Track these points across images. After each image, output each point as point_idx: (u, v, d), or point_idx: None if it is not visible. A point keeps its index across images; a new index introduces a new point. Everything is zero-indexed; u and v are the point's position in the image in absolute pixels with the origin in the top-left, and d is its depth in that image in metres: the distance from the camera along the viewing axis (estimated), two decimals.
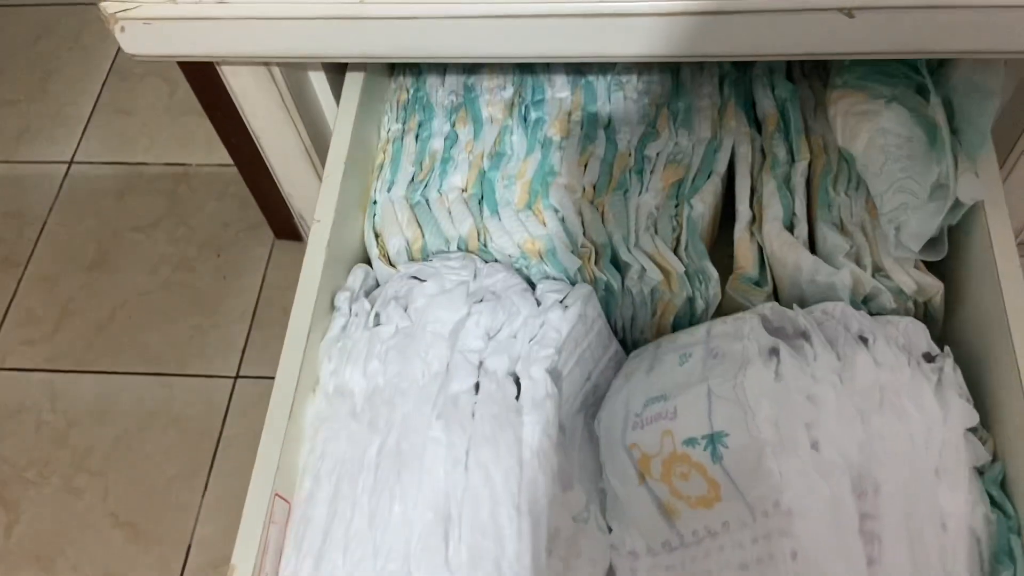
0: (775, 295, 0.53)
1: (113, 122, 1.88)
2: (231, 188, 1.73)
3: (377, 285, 0.53)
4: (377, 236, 0.55)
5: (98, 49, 1.96)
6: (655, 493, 0.49)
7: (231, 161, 1.36)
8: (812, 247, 0.53)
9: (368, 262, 0.55)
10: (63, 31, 1.97)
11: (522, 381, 0.45)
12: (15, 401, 1.58)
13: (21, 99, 1.90)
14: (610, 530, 0.51)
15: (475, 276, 0.50)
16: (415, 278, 0.50)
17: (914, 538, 0.41)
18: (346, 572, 0.41)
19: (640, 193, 0.53)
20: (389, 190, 0.55)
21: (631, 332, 0.56)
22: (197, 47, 0.47)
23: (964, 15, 0.41)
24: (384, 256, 0.54)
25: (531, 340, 0.47)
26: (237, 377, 1.58)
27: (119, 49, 1.75)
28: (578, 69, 0.59)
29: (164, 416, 1.55)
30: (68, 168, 1.83)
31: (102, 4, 0.45)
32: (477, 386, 0.45)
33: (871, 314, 0.50)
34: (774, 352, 0.47)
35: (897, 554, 0.41)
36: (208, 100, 1.08)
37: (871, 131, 0.50)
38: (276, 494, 0.44)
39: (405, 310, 0.48)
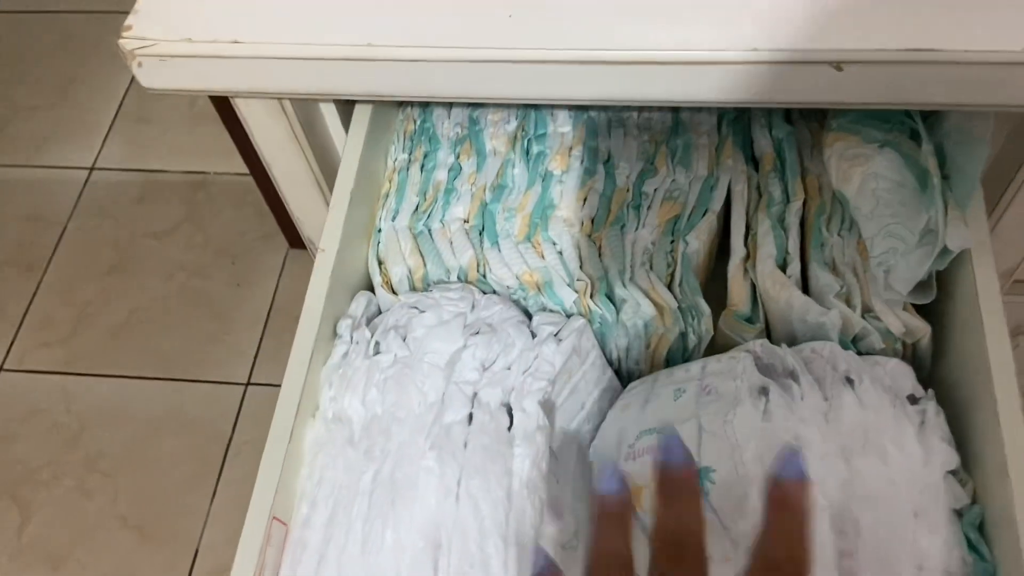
0: (767, 331, 0.55)
1: (134, 130, 1.92)
2: (248, 197, 1.76)
3: (379, 312, 0.55)
4: (380, 264, 0.56)
5: (120, 58, 2.00)
6: (643, 523, 0.50)
7: (248, 171, 1.38)
8: (804, 285, 0.54)
9: (371, 289, 0.57)
10: (87, 39, 2.02)
11: (515, 413, 0.47)
12: (30, 403, 1.62)
13: (45, 105, 1.94)
14: None
15: (473, 308, 0.51)
16: (415, 308, 0.51)
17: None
18: None
19: (637, 228, 0.55)
20: (393, 219, 0.57)
21: (626, 363, 0.57)
22: (211, 83, 0.48)
23: (949, 70, 0.42)
24: (387, 284, 0.56)
25: (525, 372, 0.48)
26: (248, 384, 1.60)
27: None
28: (580, 105, 0.60)
29: (175, 421, 1.58)
30: (89, 174, 1.87)
31: (120, 41, 0.47)
32: (471, 416, 0.46)
33: (860, 354, 0.51)
34: (764, 391, 0.48)
35: None
36: (226, 113, 1.11)
37: (863, 175, 0.52)
38: (274, 517, 0.45)
39: (404, 340, 0.50)
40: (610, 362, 0.57)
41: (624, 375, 0.58)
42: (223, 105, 1.13)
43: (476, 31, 0.46)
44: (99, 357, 1.65)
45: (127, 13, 0.49)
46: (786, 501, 0.34)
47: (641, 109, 0.60)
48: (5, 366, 1.63)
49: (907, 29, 0.43)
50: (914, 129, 0.53)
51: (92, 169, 1.87)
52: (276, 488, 0.46)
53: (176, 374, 1.61)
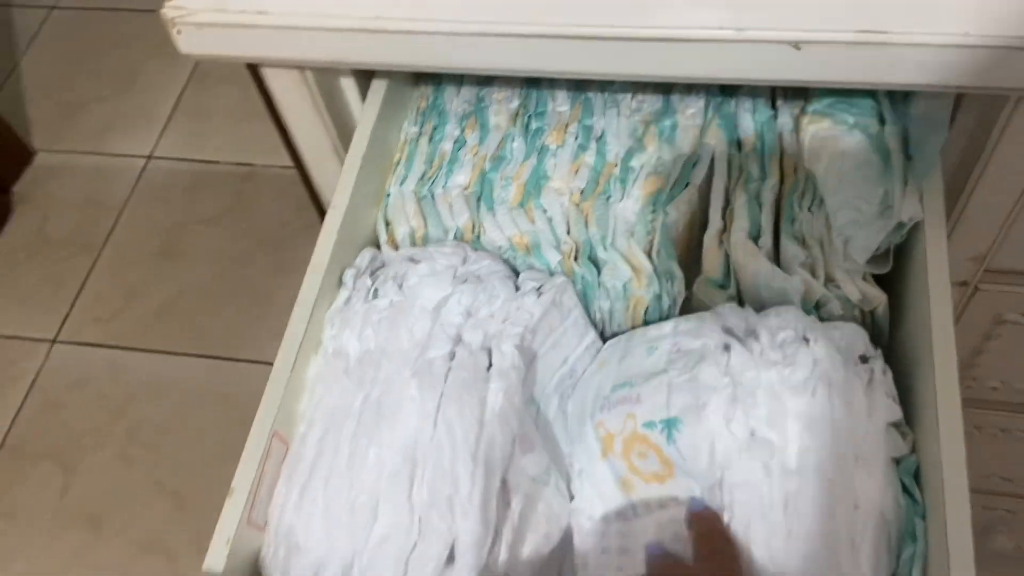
0: (739, 299, 0.59)
1: (190, 123, 2.02)
2: (291, 189, 1.85)
3: (383, 267, 0.60)
4: (388, 224, 0.62)
5: (182, 56, 2.11)
6: (615, 468, 0.55)
7: (293, 164, 1.45)
8: (777, 258, 0.58)
9: (378, 247, 0.62)
10: (152, 37, 2.12)
11: (493, 354, 0.52)
12: (80, 373, 1.72)
13: (109, 97, 2.06)
14: (572, 499, 0.57)
15: (464, 261, 0.56)
16: (411, 260, 0.57)
17: (827, 515, 0.46)
18: (325, 500, 0.48)
19: (621, 199, 0.59)
20: (401, 184, 0.62)
21: (610, 326, 0.62)
22: (240, 50, 0.55)
23: (898, 51, 0.46)
24: (392, 242, 0.61)
25: (505, 320, 0.53)
26: None
27: None
28: (579, 86, 0.65)
29: (214, 396, 1.66)
30: (146, 163, 1.97)
31: (162, 11, 0.53)
32: (453, 354, 0.51)
33: (821, 320, 0.55)
34: (726, 348, 0.53)
35: (812, 527, 0.46)
36: (274, 109, 1.18)
37: (831, 155, 0.56)
38: (275, 433, 0.51)
39: (400, 287, 0.55)
40: (594, 325, 0.62)
41: (608, 338, 0.62)
42: (270, 99, 1.20)
43: (480, 4, 0.51)
44: (145, 333, 1.74)
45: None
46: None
47: (635, 92, 0.64)
48: (59, 338, 1.73)
49: (861, 13, 0.47)
50: (882, 113, 0.56)
51: (149, 158, 1.97)
52: (278, 408, 0.51)
53: (216, 352, 1.69)
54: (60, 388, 1.69)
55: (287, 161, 1.41)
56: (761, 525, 0.47)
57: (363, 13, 0.51)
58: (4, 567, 1.49)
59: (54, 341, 1.74)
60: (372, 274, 0.59)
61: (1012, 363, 0.77)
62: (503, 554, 0.50)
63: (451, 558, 0.46)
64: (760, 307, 0.56)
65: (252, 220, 1.85)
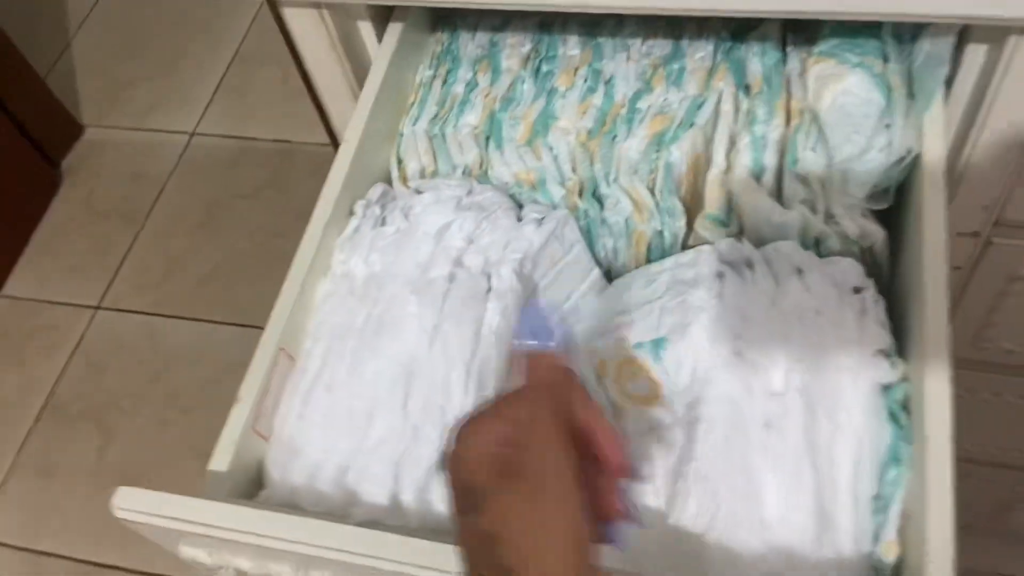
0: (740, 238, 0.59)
1: (232, 101, 2.07)
2: (327, 166, 1.88)
3: (394, 200, 0.62)
4: (400, 162, 0.64)
5: (225, 36, 2.16)
6: (608, 393, 0.56)
7: (330, 142, 1.49)
8: (779, 197, 0.58)
9: (391, 184, 0.64)
10: (197, 19, 2.19)
11: (492, 278, 0.53)
12: (121, 339, 1.77)
13: (156, 75, 2.12)
14: None
15: (469, 193, 0.58)
16: (418, 191, 0.58)
17: (807, 434, 0.47)
18: (325, 407, 0.50)
19: (627, 139, 0.60)
20: (414, 124, 0.64)
21: (615, 264, 0.63)
22: None
23: None
24: (403, 179, 0.63)
25: (505, 248, 0.55)
26: None
27: (244, 36, 1.99)
28: (590, 31, 0.66)
29: (249, 365, 1.70)
30: (189, 139, 2.02)
31: None
32: (453, 276, 0.53)
33: (820, 256, 0.55)
34: (720, 276, 0.54)
35: (790, 445, 0.46)
36: (312, 88, 1.21)
37: (835, 92, 0.56)
38: (281, 349, 0.53)
39: (406, 216, 0.57)
40: (600, 264, 0.63)
41: (614, 277, 0.64)
42: (307, 78, 1.24)
43: None
44: (185, 303, 1.79)
45: None
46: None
47: (645, 37, 0.65)
48: (102, 305, 1.78)
49: None
50: (886, 53, 0.57)
51: (192, 135, 2.03)
52: (284, 325, 0.53)
53: (252, 322, 1.73)
54: (102, 353, 1.74)
55: (324, 139, 1.44)
56: (740, 440, 0.48)
57: None
58: (42, 522, 1.54)
59: (97, 308, 1.80)
60: (383, 206, 0.61)
61: None
62: None
63: None
64: (760, 244, 0.57)
65: (289, 195, 1.89)
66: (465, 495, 0.31)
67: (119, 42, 2.18)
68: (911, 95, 0.55)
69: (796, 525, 0.44)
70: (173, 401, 1.68)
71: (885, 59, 0.57)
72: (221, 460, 0.49)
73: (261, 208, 1.88)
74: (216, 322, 1.75)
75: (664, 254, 0.60)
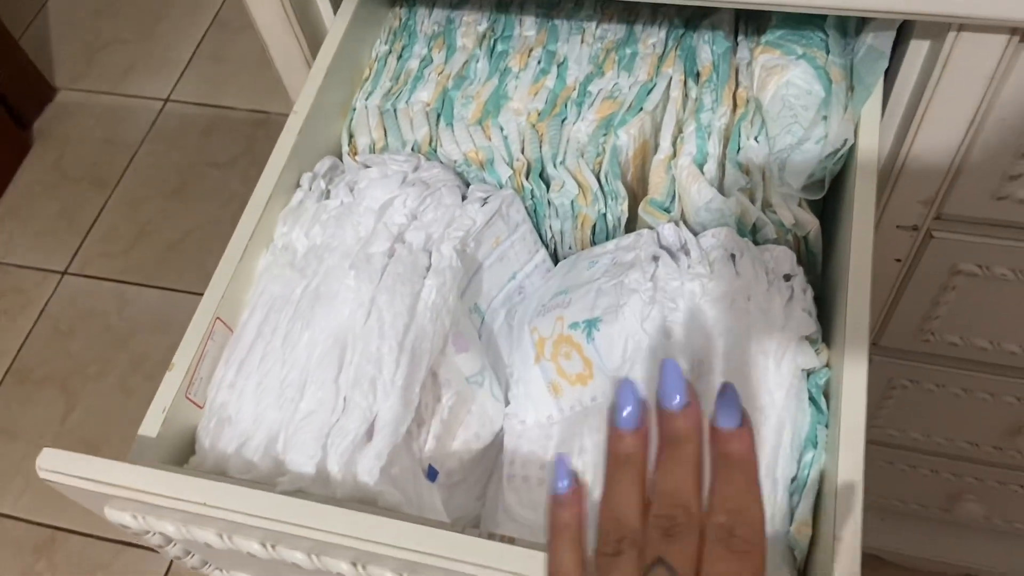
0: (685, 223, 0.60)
1: (208, 68, 2.05)
2: None
3: (342, 174, 0.63)
4: (351, 137, 0.64)
5: (204, 1, 2.14)
6: (546, 372, 0.57)
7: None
8: (721, 184, 0.59)
9: (342, 158, 0.64)
10: None
11: (432, 255, 0.54)
12: (88, 305, 1.76)
13: (131, 39, 2.09)
14: (508, 404, 0.59)
15: (415, 169, 0.58)
16: (365, 165, 0.59)
17: None
18: (258, 377, 0.50)
19: (576, 121, 0.61)
20: (367, 99, 0.64)
21: (562, 246, 0.63)
22: None
23: None
24: (354, 153, 0.63)
25: (448, 226, 0.55)
26: None
27: (223, 2, 1.96)
28: (547, 13, 0.66)
29: None
30: (164, 105, 2.00)
31: None
32: (393, 252, 0.54)
33: (756, 244, 0.56)
34: (655, 259, 0.54)
35: None
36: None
37: (778, 83, 0.57)
38: (218, 318, 0.53)
39: (351, 190, 0.58)
40: (547, 245, 0.64)
41: (561, 258, 0.64)
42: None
43: None
44: (153, 270, 1.78)
45: None
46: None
47: (600, 20, 0.66)
48: (69, 270, 1.77)
49: None
50: (828, 45, 0.57)
51: (167, 101, 2.01)
52: (223, 295, 0.54)
53: None
54: (68, 318, 1.73)
55: None
56: None
57: None
58: (5, 483, 1.54)
59: (64, 273, 1.78)
60: (329, 179, 0.61)
61: (971, 317, 0.78)
62: (429, 443, 0.53)
63: (370, 436, 0.48)
64: (700, 230, 0.58)
65: (263, 166, 1.87)
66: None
67: (96, 4, 2.15)
68: (851, 88, 0.56)
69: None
70: (138, 368, 1.68)
71: (828, 51, 0.58)
72: (151, 426, 0.49)
73: (235, 177, 1.87)
74: (184, 291, 1.74)
75: (608, 237, 0.61)
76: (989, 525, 1.14)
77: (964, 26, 0.51)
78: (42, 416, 1.61)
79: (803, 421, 0.48)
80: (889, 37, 0.54)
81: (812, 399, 0.49)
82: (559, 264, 0.63)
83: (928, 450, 1.02)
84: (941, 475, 1.07)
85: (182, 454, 0.51)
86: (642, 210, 0.60)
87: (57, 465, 0.43)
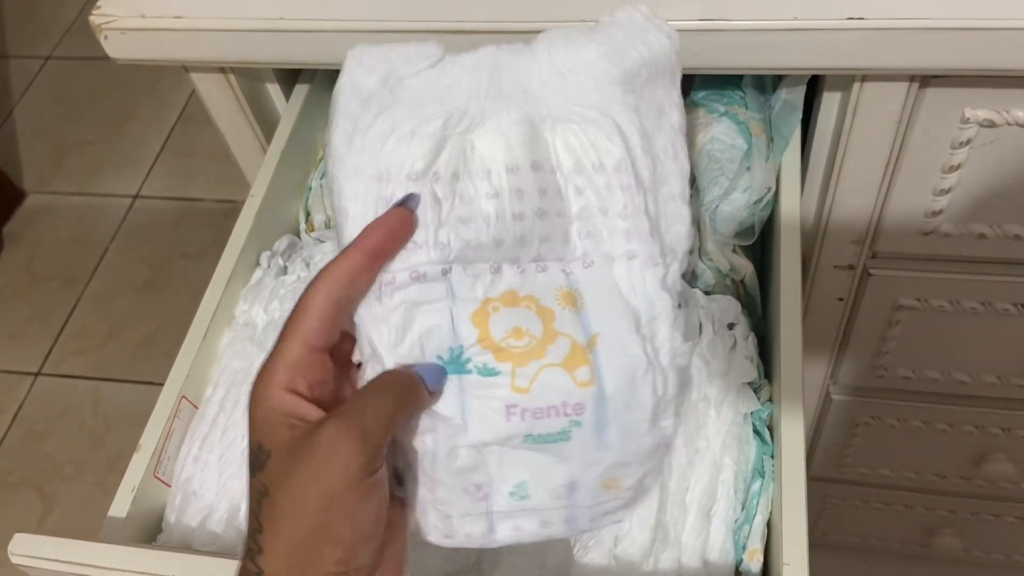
0: None
1: (177, 162, 2.10)
2: None
3: (300, 251, 0.65)
4: (308, 215, 0.67)
5: (170, 97, 2.20)
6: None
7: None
8: None
9: (299, 236, 0.67)
10: (141, 82, 2.22)
11: None
12: (63, 404, 1.75)
13: (100, 140, 2.14)
14: None
15: None
16: (319, 240, 0.61)
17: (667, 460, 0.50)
18: (220, 450, 0.52)
19: None
20: (322, 178, 0.68)
21: None
22: (162, 53, 0.60)
23: (735, 37, 0.51)
24: (311, 229, 0.66)
25: None
26: None
27: (189, 97, 2.02)
28: None
29: None
30: (133, 201, 2.04)
31: (90, 17, 0.59)
32: None
33: (706, 293, 0.59)
34: None
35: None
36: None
37: (703, 140, 0.61)
38: (183, 397, 0.55)
39: (308, 266, 0.60)
40: None
41: None
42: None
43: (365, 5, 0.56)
44: (128, 365, 1.79)
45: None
46: None
47: None
48: (43, 371, 1.77)
49: (703, 2, 0.52)
50: (747, 102, 0.61)
51: (136, 197, 2.04)
52: (187, 373, 0.56)
53: None
54: (42, 419, 1.72)
55: None
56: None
57: (267, 14, 0.57)
58: None
59: (38, 374, 1.78)
60: (287, 256, 0.63)
61: (919, 350, 0.80)
62: None
63: None
64: None
65: None
66: (255, 452, 0.33)
67: (63, 108, 2.20)
68: (771, 140, 0.60)
69: (637, 540, 0.47)
70: (115, 464, 1.66)
71: (747, 107, 0.62)
72: (120, 507, 0.50)
73: (207, 267, 1.88)
74: (159, 384, 1.73)
75: None
76: (969, 558, 1.15)
77: (867, 76, 0.56)
78: (19, 521, 1.59)
79: (749, 455, 0.50)
80: (800, 91, 0.58)
81: (757, 432, 0.51)
82: None
83: (899, 485, 1.04)
84: (915, 510, 1.08)
85: (152, 533, 0.52)
86: None
87: (28, 549, 0.44)
